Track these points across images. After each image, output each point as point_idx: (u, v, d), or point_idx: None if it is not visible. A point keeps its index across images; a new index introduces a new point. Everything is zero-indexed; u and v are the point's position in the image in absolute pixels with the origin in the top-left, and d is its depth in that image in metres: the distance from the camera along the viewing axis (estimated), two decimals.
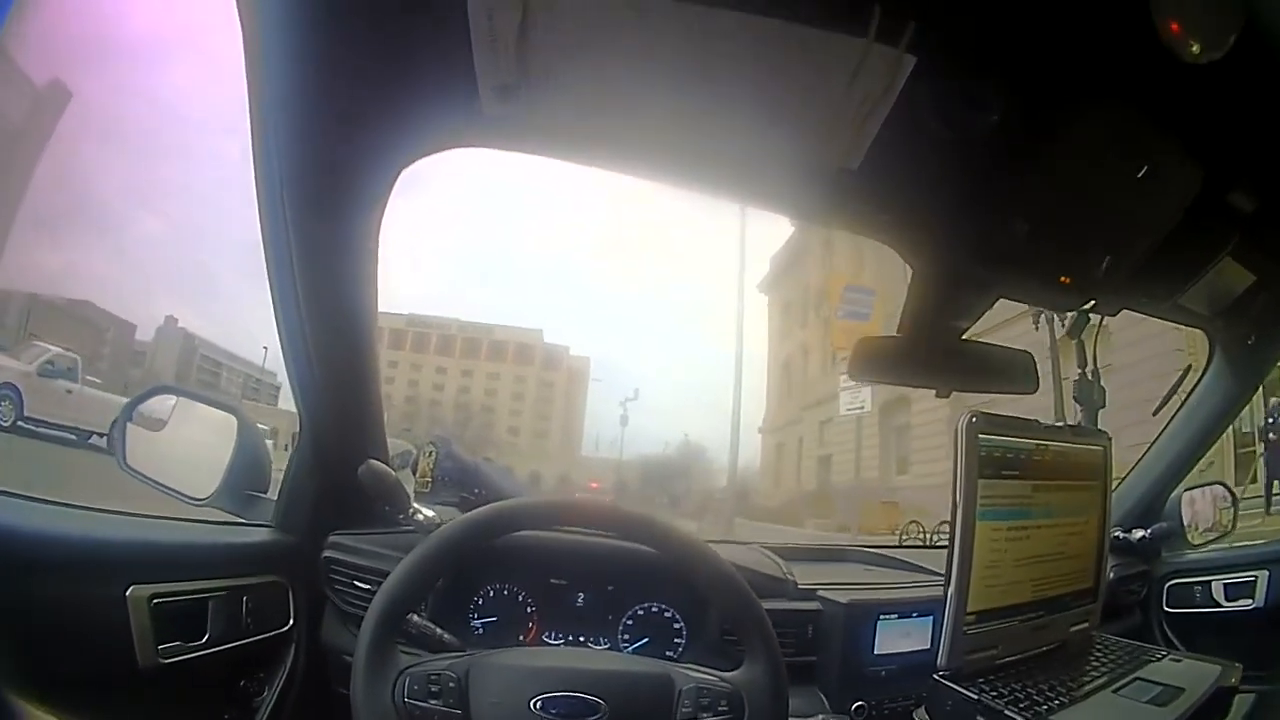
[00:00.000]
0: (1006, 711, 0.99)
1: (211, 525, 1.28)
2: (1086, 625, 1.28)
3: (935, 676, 1.03)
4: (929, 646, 1.23)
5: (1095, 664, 1.20)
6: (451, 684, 0.88)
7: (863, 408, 12.32)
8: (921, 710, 1.11)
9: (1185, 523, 1.84)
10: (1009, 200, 1.05)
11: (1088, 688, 1.11)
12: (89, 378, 10.85)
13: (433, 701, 0.87)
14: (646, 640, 1.31)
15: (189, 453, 1.38)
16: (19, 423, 9.12)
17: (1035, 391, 1.23)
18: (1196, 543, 1.88)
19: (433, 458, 1.41)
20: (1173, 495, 1.83)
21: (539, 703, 0.88)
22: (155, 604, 1.01)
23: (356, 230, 1.11)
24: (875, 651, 1.26)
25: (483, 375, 33.75)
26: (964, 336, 1.17)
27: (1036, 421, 1.17)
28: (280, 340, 1.18)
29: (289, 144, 0.96)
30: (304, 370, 1.20)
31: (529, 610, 1.32)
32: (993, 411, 1.09)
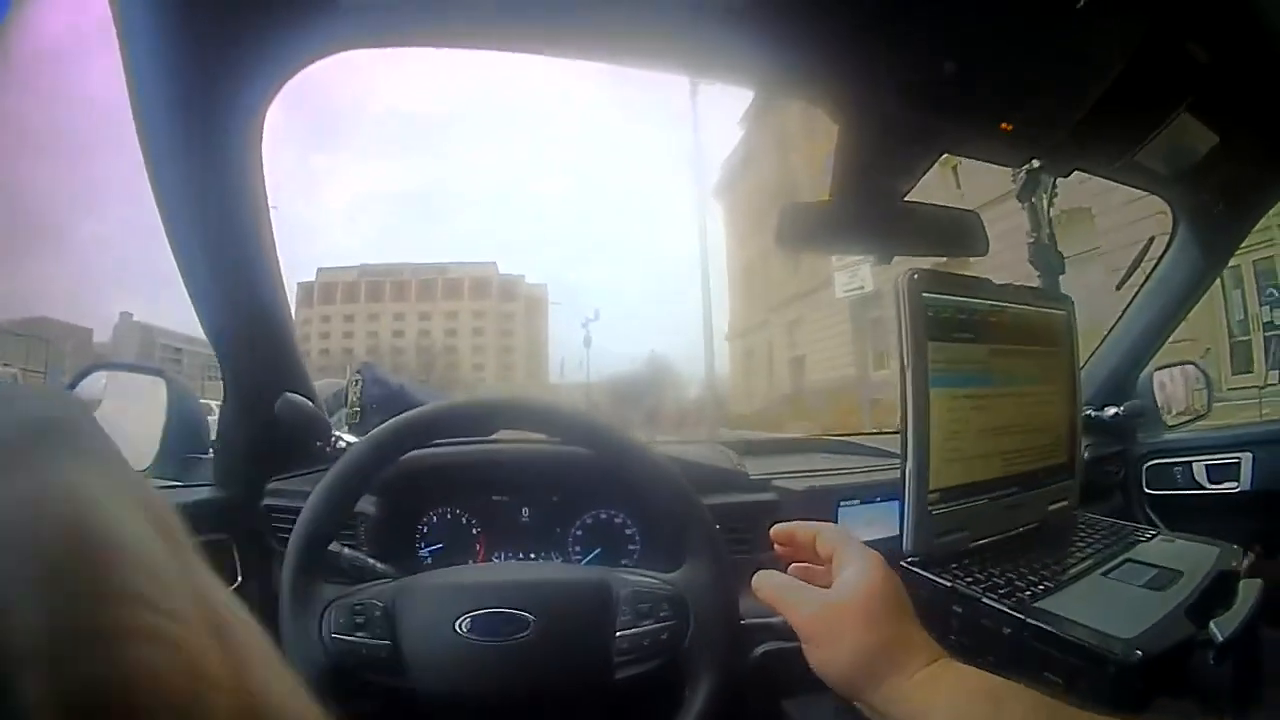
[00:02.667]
0: (985, 599, 0.79)
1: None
2: (1066, 503, 1.08)
3: (903, 564, 0.84)
4: (897, 533, 1.05)
5: (1079, 545, 1.00)
6: (378, 612, 0.75)
7: (862, 288, 10.56)
8: None
9: (1159, 404, 1.65)
10: (934, 35, 0.85)
11: (1073, 570, 0.91)
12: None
13: (359, 634, 0.74)
14: (599, 550, 1.15)
15: (125, 426, 1.21)
16: None
17: (985, 254, 1.03)
18: (1172, 424, 1.69)
19: (359, 385, 1.25)
20: (1143, 374, 1.63)
21: (465, 622, 0.74)
22: None
23: (239, 153, 0.92)
24: None
25: (441, 316, 32.60)
26: (906, 199, 0.98)
27: (987, 280, 0.96)
28: (186, 289, 1.01)
29: (154, 74, 0.82)
30: (211, 312, 1.04)
31: (475, 532, 1.16)
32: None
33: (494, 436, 1.14)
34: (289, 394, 1.07)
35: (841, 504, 1.10)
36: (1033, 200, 1.24)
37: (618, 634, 0.75)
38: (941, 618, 0.82)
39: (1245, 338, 8.16)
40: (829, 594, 0.61)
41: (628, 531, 1.16)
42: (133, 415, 1.22)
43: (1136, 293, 1.54)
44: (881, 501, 1.10)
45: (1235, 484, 1.51)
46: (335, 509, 0.79)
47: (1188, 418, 1.73)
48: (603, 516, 1.16)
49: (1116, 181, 1.35)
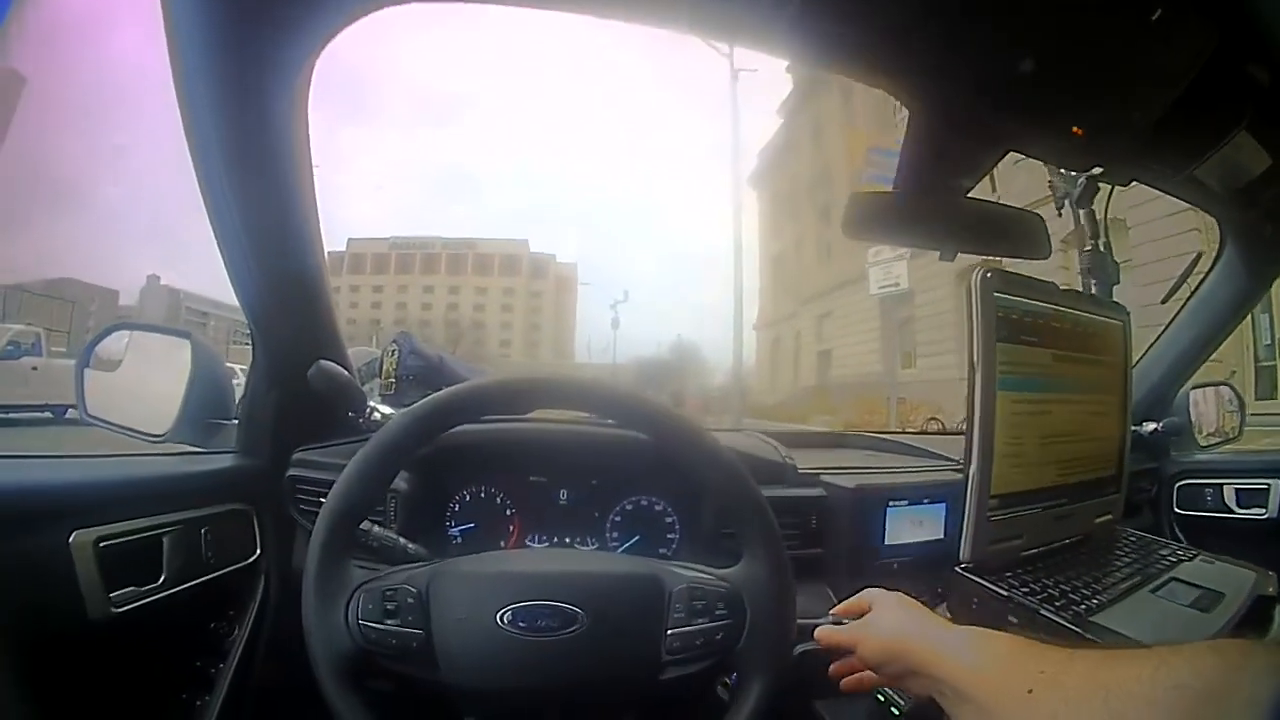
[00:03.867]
0: (1043, 611, 0.74)
1: (167, 458, 1.05)
2: (1110, 517, 1.03)
3: (957, 569, 0.79)
4: (941, 536, 1.00)
5: (1125, 560, 0.95)
6: (410, 599, 0.67)
7: (897, 285, 9.93)
8: (942, 607, 0.85)
9: (1192, 422, 1.59)
10: (1012, 32, 0.80)
11: (1123, 586, 0.86)
12: (55, 349, 9.72)
13: (389, 621, 0.66)
14: (637, 538, 1.08)
15: (147, 388, 1.13)
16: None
17: (1047, 257, 0.97)
18: (1204, 444, 1.62)
19: (395, 356, 1.17)
20: (1180, 391, 1.57)
21: (507, 615, 0.66)
22: (103, 547, 0.80)
23: (281, 114, 0.86)
24: (885, 541, 1.00)
25: (470, 291, 31.74)
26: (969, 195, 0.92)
27: (1053, 284, 0.91)
28: (220, 253, 0.94)
29: (196, 32, 0.76)
30: (245, 276, 0.96)
31: (509, 513, 1.08)
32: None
33: (533, 415, 1.07)
34: (323, 361, 0.98)
35: (890, 504, 1.01)
36: (1091, 207, 1.18)
37: (669, 632, 0.68)
38: (993, 626, 0.76)
39: (1271, 363, 7.98)
40: (866, 616, 0.72)
41: (668, 520, 1.08)
42: (154, 376, 1.17)
43: (1180, 309, 1.48)
44: (929, 504, 1.02)
45: (1264, 510, 1.44)
46: (371, 484, 0.71)
47: (1217, 440, 1.67)
48: (643, 503, 1.08)
49: (1172, 195, 1.28)
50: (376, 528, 0.85)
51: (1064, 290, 0.91)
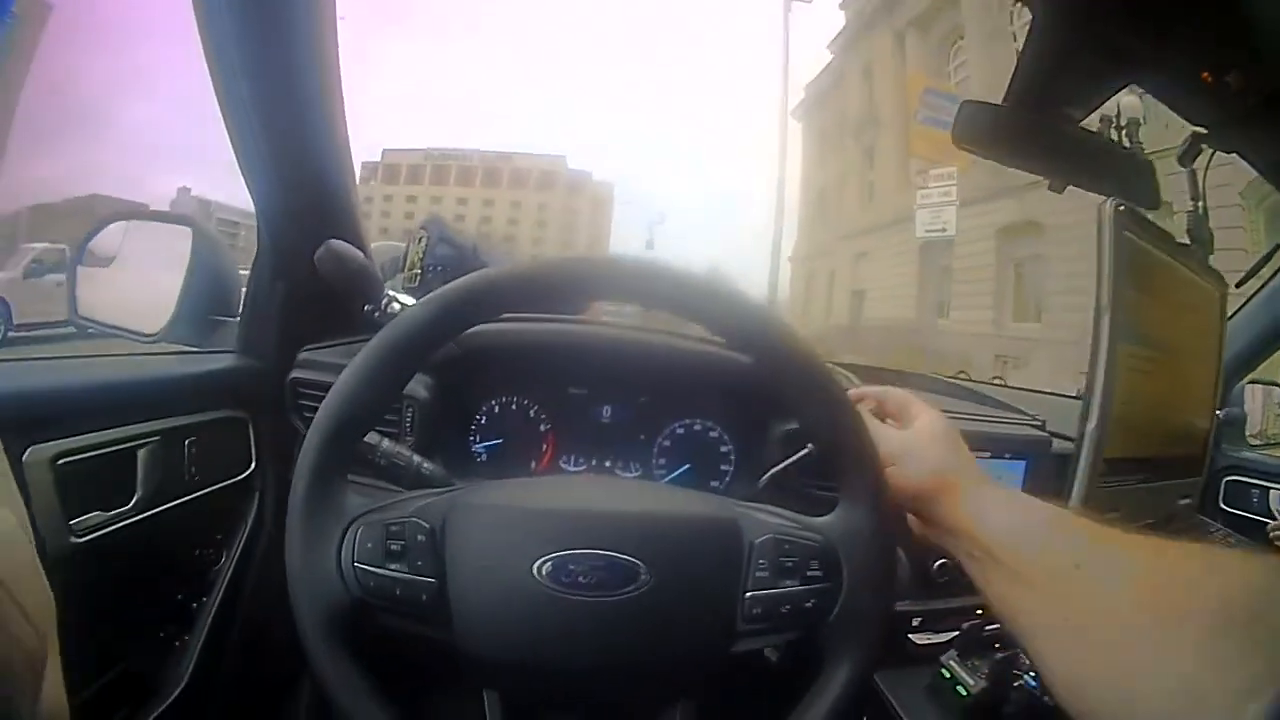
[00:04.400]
0: None
1: (151, 359, 0.90)
2: (1190, 501, 0.92)
3: None
4: None
5: None
6: (421, 537, 0.50)
7: (944, 230, 9.15)
8: None
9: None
10: None
11: None
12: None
13: (393, 565, 0.49)
14: (687, 467, 0.92)
15: (144, 283, 0.99)
16: (10, 334, 7.80)
17: (1157, 207, 0.85)
18: (1254, 444, 1.52)
19: (423, 243, 1.01)
20: (1239, 384, 1.46)
21: (547, 566, 0.49)
22: (62, 465, 0.66)
23: None
24: None
25: (505, 204, 30.20)
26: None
27: (1171, 235, 0.79)
28: (224, 120, 0.80)
29: None
30: (249, 147, 0.82)
31: (542, 429, 0.93)
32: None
33: (577, 317, 0.93)
34: (334, 241, 0.83)
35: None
36: (1194, 167, 1.07)
37: (748, 595, 0.52)
38: None
39: None
40: (906, 431, 0.62)
41: (723, 449, 0.92)
42: (152, 270, 1.02)
43: (1251, 298, 1.37)
44: (1010, 459, 0.89)
45: None
46: (378, 388, 0.54)
47: (1259, 443, 1.57)
48: (696, 428, 0.92)
49: (1266, 177, 1.17)
50: (386, 442, 0.68)
51: (1181, 244, 0.80)
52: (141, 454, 0.75)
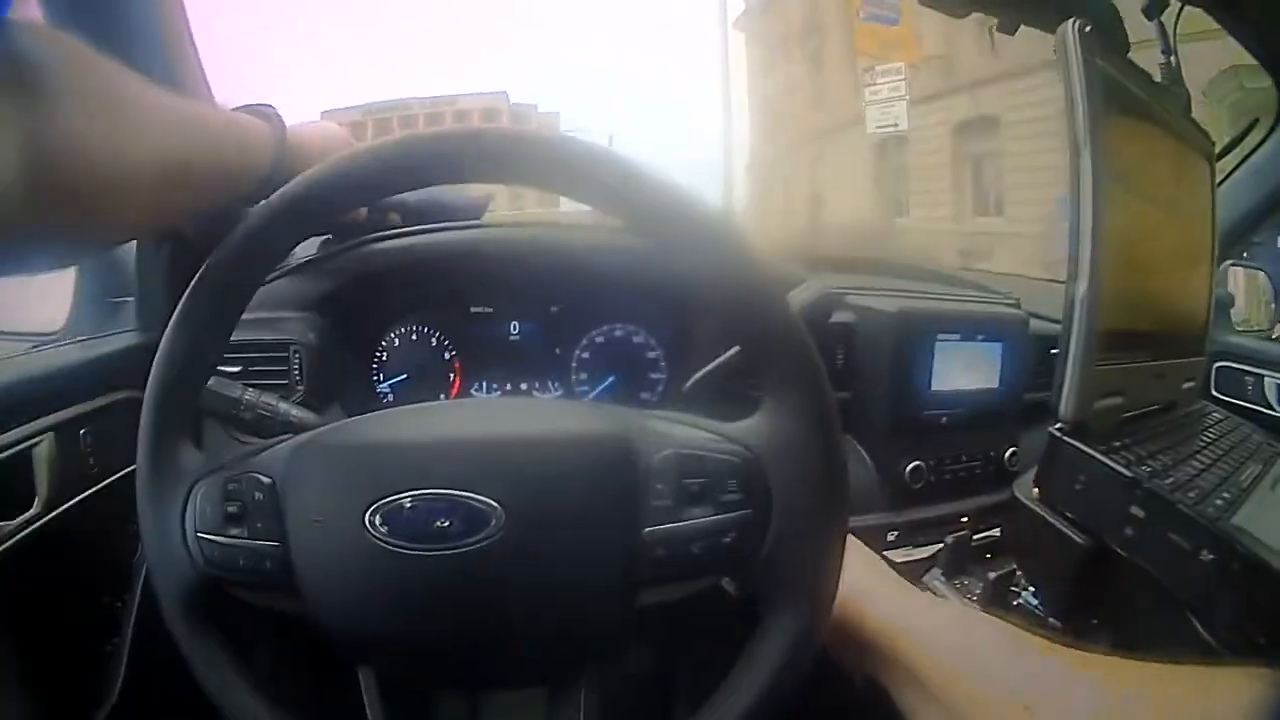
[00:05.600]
0: (1180, 505, 0.50)
1: (43, 353, 0.79)
2: (1194, 384, 0.79)
3: (1054, 431, 0.54)
4: (996, 385, 0.75)
5: (1224, 441, 0.72)
6: (259, 494, 0.40)
7: (895, 126, 9.44)
8: (1025, 482, 0.59)
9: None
10: None
11: (1241, 477, 0.62)
12: None
13: (234, 530, 0.40)
14: (612, 379, 0.81)
15: (43, 281, 0.90)
16: None
17: (1125, 53, 0.71)
18: (1239, 329, 1.39)
19: None
20: (1221, 266, 1.32)
21: (380, 514, 0.38)
22: None
23: None
24: (933, 387, 0.73)
25: None
26: None
27: (1147, 72, 0.66)
28: None
29: None
30: None
31: (448, 357, 0.81)
32: None
33: (468, 224, 0.78)
34: None
35: (939, 337, 0.74)
36: (1160, 20, 0.93)
37: (646, 530, 0.38)
38: (1109, 515, 0.53)
39: None
40: None
41: (650, 355, 0.80)
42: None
43: (1227, 175, 1.23)
44: (983, 340, 0.76)
45: None
46: (206, 323, 0.43)
47: (1245, 329, 1.44)
48: (617, 334, 0.81)
49: (1236, 38, 1.03)
50: (250, 391, 0.54)
51: (1158, 84, 0.66)
52: (36, 453, 0.65)
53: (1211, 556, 0.48)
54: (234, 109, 0.58)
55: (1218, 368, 1.30)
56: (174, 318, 0.42)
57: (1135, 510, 0.51)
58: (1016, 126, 9.58)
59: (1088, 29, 0.54)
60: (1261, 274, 1.43)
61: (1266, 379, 1.27)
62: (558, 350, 0.81)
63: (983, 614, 0.45)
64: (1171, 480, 0.53)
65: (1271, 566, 0.47)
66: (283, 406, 0.53)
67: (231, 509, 0.40)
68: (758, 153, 19.21)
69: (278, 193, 0.40)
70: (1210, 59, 1.53)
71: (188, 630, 0.42)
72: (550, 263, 0.77)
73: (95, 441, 0.71)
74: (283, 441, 0.42)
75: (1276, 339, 1.42)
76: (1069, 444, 0.53)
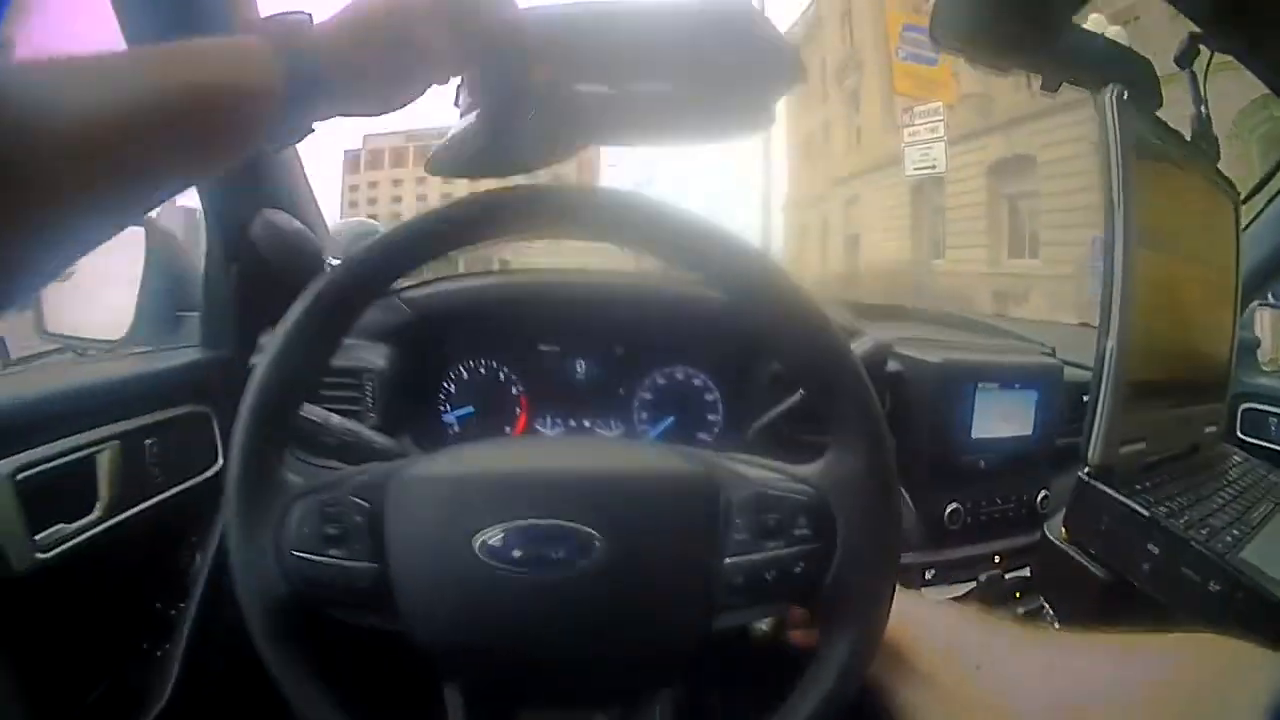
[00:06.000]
0: (1192, 541, 0.55)
1: (111, 362, 0.84)
2: (1216, 429, 0.83)
3: (1083, 475, 0.58)
4: (1030, 432, 0.79)
5: (1243, 482, 0.76)
6: (359, 518, 0.43)
7: (933, 168, 8.67)
8: (1056, 522, 0.64)
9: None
10: None
11: (1254, 515, 0.66)
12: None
13: (332, 551, 0.42)
14: (672, 420, 0.85)
15: (106, 291, 0.93)
16: (8, 369, 7.83)
17: (1158, 108, 0.75)
18: (1267, 370, 1.41)
19: None
20: (1250, 307, 1.34)
21: (489, 540, 0.41)
22: (22, 480, 0.60)
23: None
24: (973, 434, 0.77)
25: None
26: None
27: (1178, 132, 0.69)
28: None
29: None
30: None
31: (514, 392, 0.86)
32: None
33: (541, 268, 0.85)
34: (267, 210, 0.77)
35: (980, 386, 0.77)
36: (1193, 70, 0.96)
37: (727, 561, 0.42)
38: (1128, 552, 0.56)
39: None
40: None
41: (708, 397, 0.85)
42: (113, 276, 0.96)
43: (1258, 214, 1.25)
44: (1020, 389, 0.80)
45: None
46: (304, 354, 0.46)
47: (1273, 369, 1.46)
48: (678, 376, 0.85)
49: (1265, 81, 1.06)
50: (335, 418, 0.60)
51: (1189, 144, 0.69)
52: (100, 459, 0.68)
53: (1219, 588, 0.53)
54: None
55: (1243, 410, 1.32)
56: (276, 343, 0.45)
57: (1152, 547, 0.55)
58: (1052, 165, 9.56)
59: (1125, 96, 0.57)
60: None
61: None
62: (621, 390, 0.85)
63: (951, 602, 0.53)
64: (1185, 519, 0.57)
65: (1275, 595, 0.52)
66: (366, 434, 0.59)
67: (331, 531, 0.42)
68: (795, 193, 18.87)
69: (380, 236, 0.45)
70: (1240, 91, 1.55)
71: (276, 649, 0.43)
72: (616, 306, 0.83)
73: (159, 452, 0.75)
74: (378, 470, 0.46)
75: None
76: (1096, 487, 0.57)
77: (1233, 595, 0.52)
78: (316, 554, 0.42)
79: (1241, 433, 1.32)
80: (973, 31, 0.65)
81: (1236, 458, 0.82)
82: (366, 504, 0.43)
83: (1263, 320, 1.42)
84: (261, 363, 0.45)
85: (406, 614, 0.43)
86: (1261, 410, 1.31)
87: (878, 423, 0.43)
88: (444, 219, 0.45)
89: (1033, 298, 9.31)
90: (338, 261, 0.76)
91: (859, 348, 0.64)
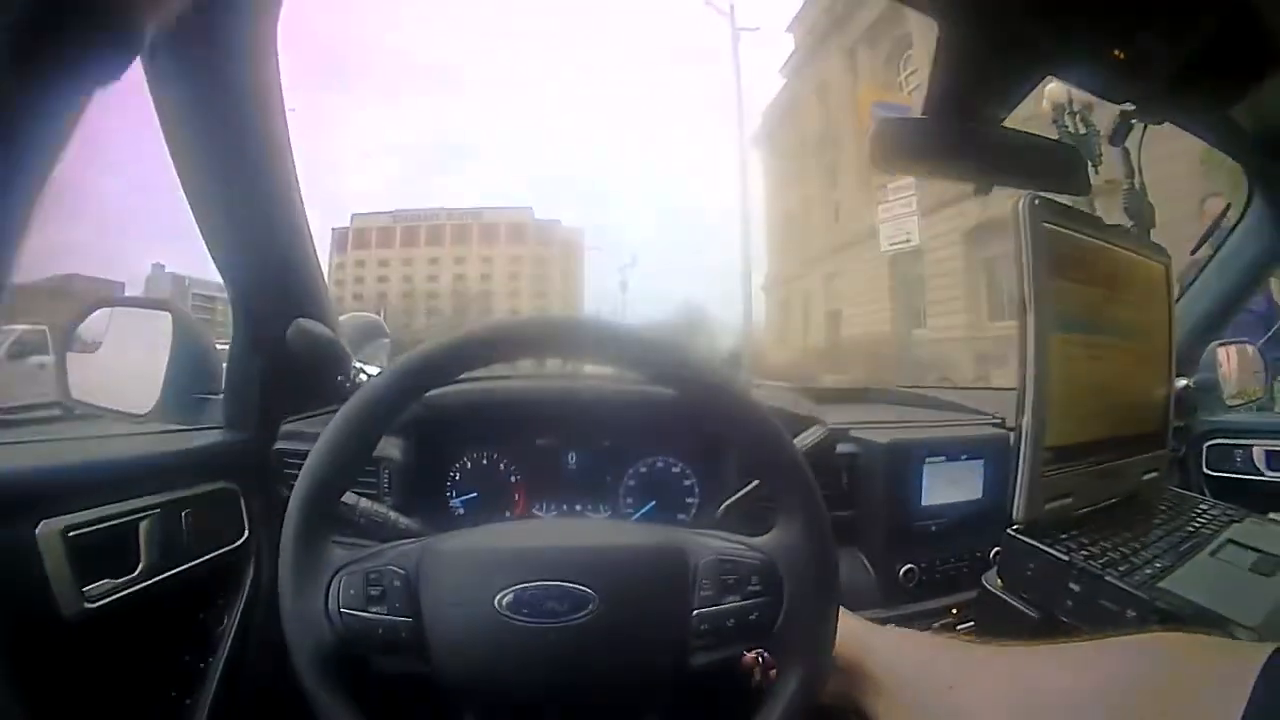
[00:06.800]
0: (1108, 577, 0.64)
1: (144, 437, 0.94)
2: (1156, 475, 0.91)
3: (1010, 531, 0.68)
4: (979, 496, 0.90)
5: (1174, 521, 0.84)
6: (397, 582, 0.55)
7: (908, 241, 9.10)
8: (992, 574, 0.74)
9: (1220, 380, 1.46)
10: None
11: (1181, 549, 0.76)
12: None
13: (374, 608, 0.54)
14: (653, 503, 0.97)
15: (130, 366, 1.01)
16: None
17: (1086, 194, 0.85)
18: (1229, 404, 1.50)
19: None
20: (1208, 348, 1.43)
21: (506, 598, 0.54)
22: (73, 537, 0.71)
23: (243, 66, 0.77)
24: (923, 502, 0.88)
25: (477, 260, 30.86)
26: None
27: (1097, 217, 0.79)
28: (192, 212, 0.85)
29: None
30: (218, 234, 0.86)
31: (513, 480, 0.97)
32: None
33: (537, 372, 0.97)
34: (302, 319, 0.89)
35: (928, 460, 0.89)
36: (1125, 146, 1.06)
37: (695, 613, 0.55)
38: (1052, 592, 0.66)
39: None
40: None
41: (686, 483, 0.96)
42: (137, 353, 1.06)
43: (1208, 261, 1.36)
44: (967, 460, 0.91)
45: None
46: (350, 452, 0.58)
47: (1240, 401, 1.54)
48: (659, 465, 0.96)
49: (1203, 139, 1.16)
50: (364, 502, 0.73)
51: (1109, 226, 0.79)
52: (143, 525, 0.79)
53: (1134, 614, 0.62)
54: None
55: (1209, 446, 1.41)
56: (323, 438, 0.58)
57: (1073, 585, 0.65)
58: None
59: (1036, 201, 0.67)
60: (1248, 347, 1.53)
61: (1255, 448, 1.38)
62: (608, 478, 0.97)
63: (920, 632, 0.58)
64: (1105, 560, 0.67)
65: (1185, 616, 0.61)
66: (393, 515, 0.72)
67: (374, 592, 0.54)
68: (775, 270, 19.21)
69: (430, 344, 0.58)
70: None
71: (322, 689, 0.53)
72: (602, 406, 0.95)
73: (194, 523, 0.86)
74: (408, 545, 0.58)
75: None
76: (1022, 540, 0.66)
77: (1146, 620, 0.61)
78: (362, 610, 0.54)
79: (1208, 468, 1.41)
80: (908, 151, 0.75)
81: (1172, 499, 0.91)
82: (402, 571, 0.55)
83: (1228, 356, 1.51)
84: (310, 460, 0.57)
85: (435, 658, 0.54)
86: (1226, 445, 1.40)
87: (814, 500, 0.56)
88: (463, 345, 0.58)
89: (1014, 359, 9.37)
90: (374, 371, 0.91)
91: (811, 436, 0.80)
